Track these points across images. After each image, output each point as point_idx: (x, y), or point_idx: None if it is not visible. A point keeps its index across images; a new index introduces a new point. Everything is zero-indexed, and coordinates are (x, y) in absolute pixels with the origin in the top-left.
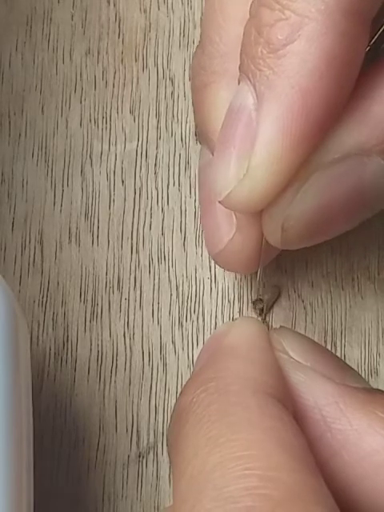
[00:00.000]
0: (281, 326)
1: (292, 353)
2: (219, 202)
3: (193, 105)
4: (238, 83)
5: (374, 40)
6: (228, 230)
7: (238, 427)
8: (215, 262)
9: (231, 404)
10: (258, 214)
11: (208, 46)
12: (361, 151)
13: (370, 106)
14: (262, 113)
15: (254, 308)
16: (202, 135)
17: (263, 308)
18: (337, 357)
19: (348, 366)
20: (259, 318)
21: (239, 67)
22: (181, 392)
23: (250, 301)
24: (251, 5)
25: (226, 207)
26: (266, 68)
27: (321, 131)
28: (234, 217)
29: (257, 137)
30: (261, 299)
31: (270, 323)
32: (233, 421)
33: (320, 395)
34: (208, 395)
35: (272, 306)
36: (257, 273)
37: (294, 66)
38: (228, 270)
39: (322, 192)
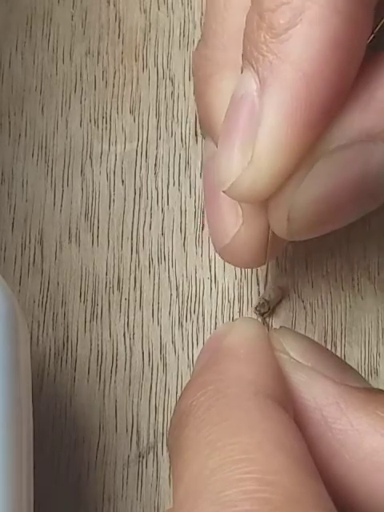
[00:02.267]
0: (281, 327)
1: (292, 353)
2: (223, 191)
3: (195, 97)
4: (242, 72)
5: (377, 28)
6: (234, 224)
7: (237, 430)
8: (222, 257)
9: (231, 407)
10: (264, 205)
11: (211, 38)
12: (367, 137)
13: (375, 92)
14: (266, 99)
15: (258, 311)
16: (205, 127)
17: (268, 309)
18: (337, 357)
19: (348, 365)
20: (259, 319)
21: (242, 55)
22: (181, 395)
23: (250, 301)
24: None
25: (230, 197)
26: (269, 53)
27: (325, 117)
28: (239, 209)
29: (260, 124)
30: (266, 301)
31: (270, 323)
32: (232, 424)
33: (320, 395)
34: (208, 398)
35: (275, 308)
36: (261, 270)
37: (297, 51)
38: (235, 265)
39: (328, 180)
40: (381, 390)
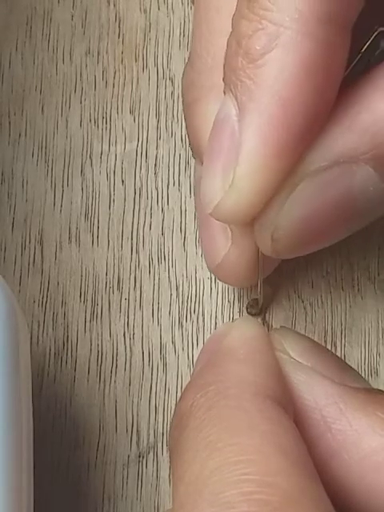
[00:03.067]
0: (281, 326)
1: (292, 353)
2: (209, 214)
3: (185, 120)
4: (224, 95)
5: (363, 49)
6: (224, 244)
7: (236, 432)
8: (215, 277)
9: (230, 408)
10: (252, 226)
11: (196, 61)
12: (349, 159)
13: (358, 114)
14: (244, 123)
15: (249, 313)
16: (194, 150)
17: (260, 311)
18: (337, 357)
19: (348, 365)
20: (259, 319)
21: (223, 79)
22: (181, 396)
23: (249, 301)
24: (232, 18)
25: (215, 219)
26: (247, 78)
27: (303, 140)
28: (229, 231)
29: (240, 147)
30: (256, 301)
31: (270, 323)
32: (232, 425)
33: (320, 395)
34: (208, 399)
35: (266, 308)
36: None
37: (273, 75)
38: (228, 284)
39: (310, 201)
40: (380, 391)
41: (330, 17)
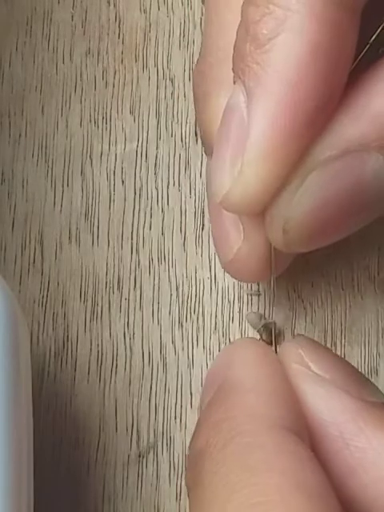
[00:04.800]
0: (297, 335)
1: (313, 365)
2: (219, 203)
3: (196, 114)
4: (234, 84)
5: (374, 37)
6: (236, 239)
7: (254, 471)
8: (228, 272)
9: (246, 445)
10: (264, 219)
11: (207, 54)
12: (360, 147)
13: (369, 101)
14: (252, 109)
15: (260, 336)
16: (205, 144)
17: (272, 336)
18: (354, 368)
19: (365, 378)
20: (257, 337)
21: (232, 68)
22: (193, 435)
23: (249, 301)
24: (242, 6)
25: (224, 209)
26: (254, 64)
27: (312, 125)
28: (240, 225)
29: (249, 134)
30: (269, 325)
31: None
32: (249, 464)
33: (338, 411)
34: (222, 437)
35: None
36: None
37: (280, 60)
38: (240, 280)
39: (321, 191)
40: None
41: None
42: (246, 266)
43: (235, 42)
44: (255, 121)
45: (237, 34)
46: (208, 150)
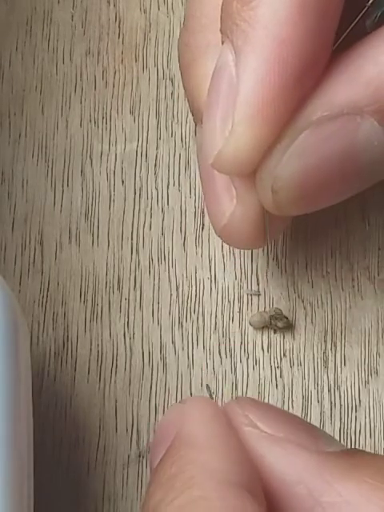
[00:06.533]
0: (237, 397)
1: (261, 424)
2: (211, 165)
3: (183, 84)
4: (222, 45)
5: (367, 7)
6: (229, 204)
7: None
8: (221, 239)
9: (194, 499)
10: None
11: (190, 22)
12: (353, 110)
13: (363, 65)
14: (241, 67)
15: (271, 324)
16: (194, 112)
17: (288, 323)
18: (302, 420)
19: (317, 428)
20: (207, 395)
21: (220, 29)
22: (146, 492)
23: (249, 301)
24: None
25: (216, 170)
26: (242, 21)
27: (301, 83)
28: (233, 189)
29: (238, 92)
30: (280, 316)
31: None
32: None
33: (301, 468)
34: (173, 492)
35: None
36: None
37: (267, 16)
38: (234, 246)
39: (312, 152)
40: (358, 450)
41: None
42: (240, 231)
43: (222, 2)
44: (244, 78)
45: None
46: (197, 116)
